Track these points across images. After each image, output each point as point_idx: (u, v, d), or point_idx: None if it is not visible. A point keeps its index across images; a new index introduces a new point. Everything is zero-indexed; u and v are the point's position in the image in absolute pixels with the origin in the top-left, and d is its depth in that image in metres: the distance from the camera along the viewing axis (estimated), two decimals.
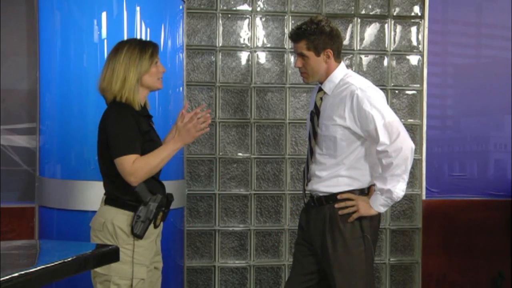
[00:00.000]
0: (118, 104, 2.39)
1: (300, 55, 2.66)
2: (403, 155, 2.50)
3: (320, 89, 2.71)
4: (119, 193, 2.37)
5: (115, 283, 2.32)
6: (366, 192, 2.65)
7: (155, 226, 2.40)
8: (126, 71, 2.38)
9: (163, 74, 2.51)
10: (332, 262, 2.59)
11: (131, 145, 2.32)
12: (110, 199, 2.40)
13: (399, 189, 2.54)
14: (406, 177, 2.55)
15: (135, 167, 2.30)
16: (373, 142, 2.57)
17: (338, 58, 2.69)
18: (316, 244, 2.67)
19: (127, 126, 2.33)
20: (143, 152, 2.36)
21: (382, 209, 2.58)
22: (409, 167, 2.54)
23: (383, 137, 2.51)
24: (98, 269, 2.32)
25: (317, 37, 2.62)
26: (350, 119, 2.56)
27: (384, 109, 2.55)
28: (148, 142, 2.39)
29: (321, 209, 2.65)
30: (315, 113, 2.69)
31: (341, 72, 2.67)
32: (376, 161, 2.61)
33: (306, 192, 2.76)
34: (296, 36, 2.66)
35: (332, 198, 2.62)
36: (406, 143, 2.52)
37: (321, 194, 2.66)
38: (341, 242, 2.59)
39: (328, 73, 2.67)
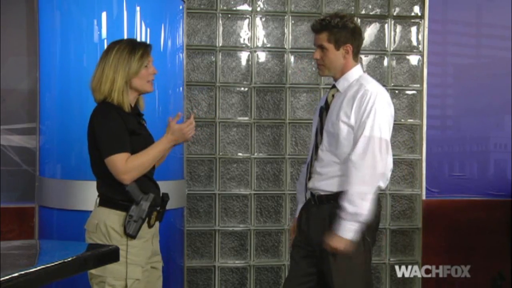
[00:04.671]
0: (105, 104, 2.37)
1: (319, 47, 2.66)
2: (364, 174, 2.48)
3: (334, 86, 2.71)
4: (111, 193, 2.36)
5: (110, 284, 2.31)
6: None
7: (149, 226, 2.39)
8: (115, 72, 2.35)
9: (156, 76, 2.47)
10: (331, 262, 2.58)
11: (121, 143, 2.31)
12: (103, 200, 2.39)
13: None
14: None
15: (128, 165, 2.29)
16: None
17: (356, 56, 2.68)
18: (315, 244, 2.66)
19: (115, 125, 2.32)
20: (132, 149, 2.35)
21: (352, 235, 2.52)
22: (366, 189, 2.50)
23: (357, 147, 2.50)
24: (93, 271, 2.31)
25: (339, 30, 2.62)
26: (353, 119, 2.56)
27: (383, 125, 2.54)
28: (137, 139, 2.37)
29: (322, 208, 2.65)
30: (325, 108, 2.69)
31: (357, 73, 2.67)
32: None
33: (307, 187, 2.75)
34: (319, 27, 2.65)
35: (332, 197, 2.62)
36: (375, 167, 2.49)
37: (322, 193, 2.65)
38: None
39: (344, 70, 2.66)
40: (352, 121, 2.56)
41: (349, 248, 2.50)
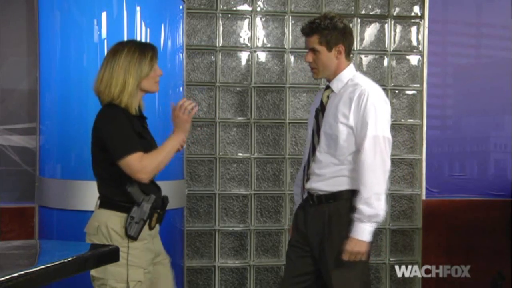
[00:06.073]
0: (111, 106, 2.36)
1: (311, 49, 2.66)
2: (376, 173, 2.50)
3: (328, 87, 2.71)
4: (111, 194, 2.36)
5: (112, 286, 2.30)
6: None
7: (150, 228, 2.38)
8: (126, 76, 2.35)
9: (160, 77, 2.48)
10: (330, 262, 2.59)
11: (133, 143, 2.31)
12: (104, 202, 2.39)
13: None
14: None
15: (144, 163, 2.28)
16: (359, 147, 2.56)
17: (348, 56, 2.68)
18: (314, 244, 2.66)
19: (124, 127, 2.31)
20: None
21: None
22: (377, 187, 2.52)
23: (366, 148, 2.51)
24: (94, 273, 2.30)
25: (330, 32, 2.61)
26: (352, 119, 2.56)
27: (384, 124, 2.55)
28: (142, 142, 2.35)
29: (320, 208, 2.65)
30: (321, 110, 2.69)
31: (350, 72, 2.67)
32: None
33: (305, 188, 2.75)
34: (309, 30, 2.65)
35: (332, 197, 2.62)
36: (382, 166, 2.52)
37: (321, 193, 2.65)
38: (339, 242, 2.59)
39: (337, 71, 2.66)
40: (351, 121, 2.56)
41: (368, 250, 2.52)
